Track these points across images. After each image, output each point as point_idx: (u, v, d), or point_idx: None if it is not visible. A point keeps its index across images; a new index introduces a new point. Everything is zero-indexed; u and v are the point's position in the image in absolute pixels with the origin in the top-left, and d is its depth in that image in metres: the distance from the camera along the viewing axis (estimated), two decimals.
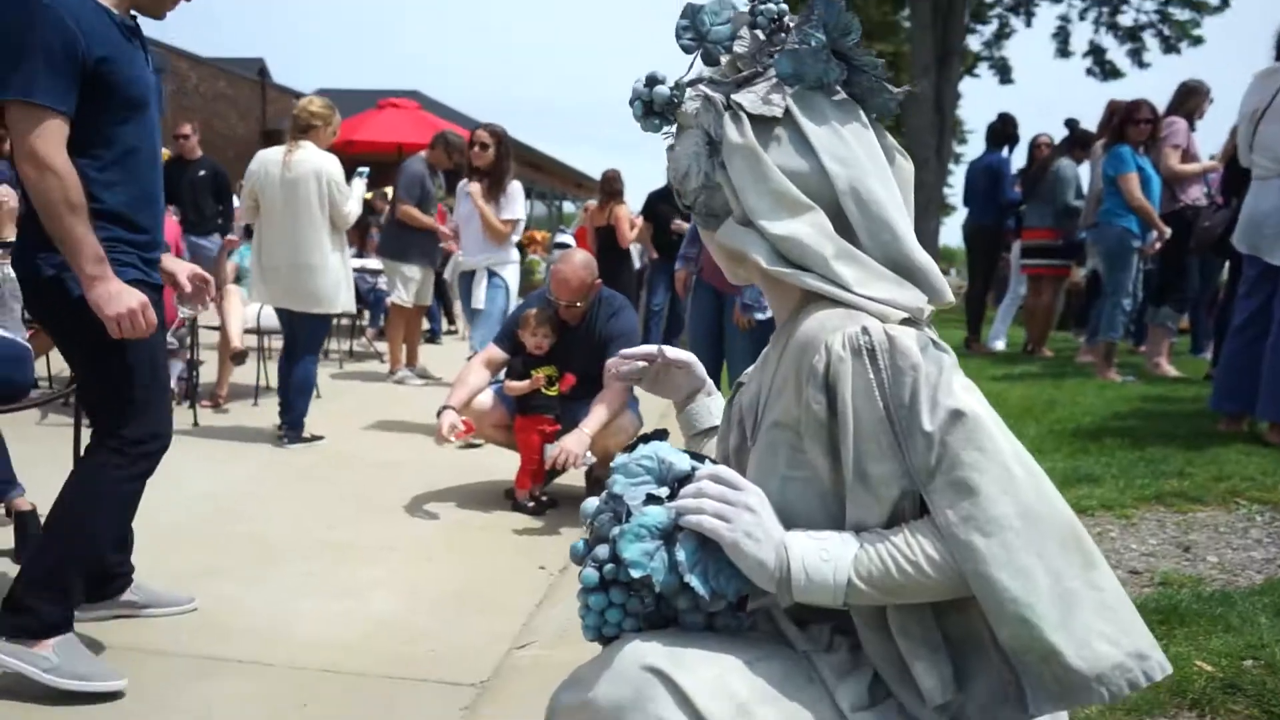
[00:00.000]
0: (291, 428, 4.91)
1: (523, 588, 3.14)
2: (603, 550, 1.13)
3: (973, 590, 1.05)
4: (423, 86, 30.96)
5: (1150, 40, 17.67)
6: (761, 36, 1.23)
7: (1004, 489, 1.04)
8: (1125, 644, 1.04)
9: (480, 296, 5.61)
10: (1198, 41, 17.20)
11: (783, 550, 1.11)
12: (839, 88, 1.23)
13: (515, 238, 5.82)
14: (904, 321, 1.14)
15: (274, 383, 6.52)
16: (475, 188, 5.69)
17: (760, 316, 3.99)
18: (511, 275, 5.74)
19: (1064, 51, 18.45)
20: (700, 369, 1.59)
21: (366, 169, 5.42)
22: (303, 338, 4.97)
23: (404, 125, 11.15)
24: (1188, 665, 2.01)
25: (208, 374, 6.09)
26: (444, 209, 5.84)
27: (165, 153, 6.82)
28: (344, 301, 5.00)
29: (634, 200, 8.82)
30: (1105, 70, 18.32)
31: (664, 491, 1.15)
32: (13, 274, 3.44)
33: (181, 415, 5.35)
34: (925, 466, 1.07)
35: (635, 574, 1.09)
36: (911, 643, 1.10)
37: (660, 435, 1.22)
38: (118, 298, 2.16)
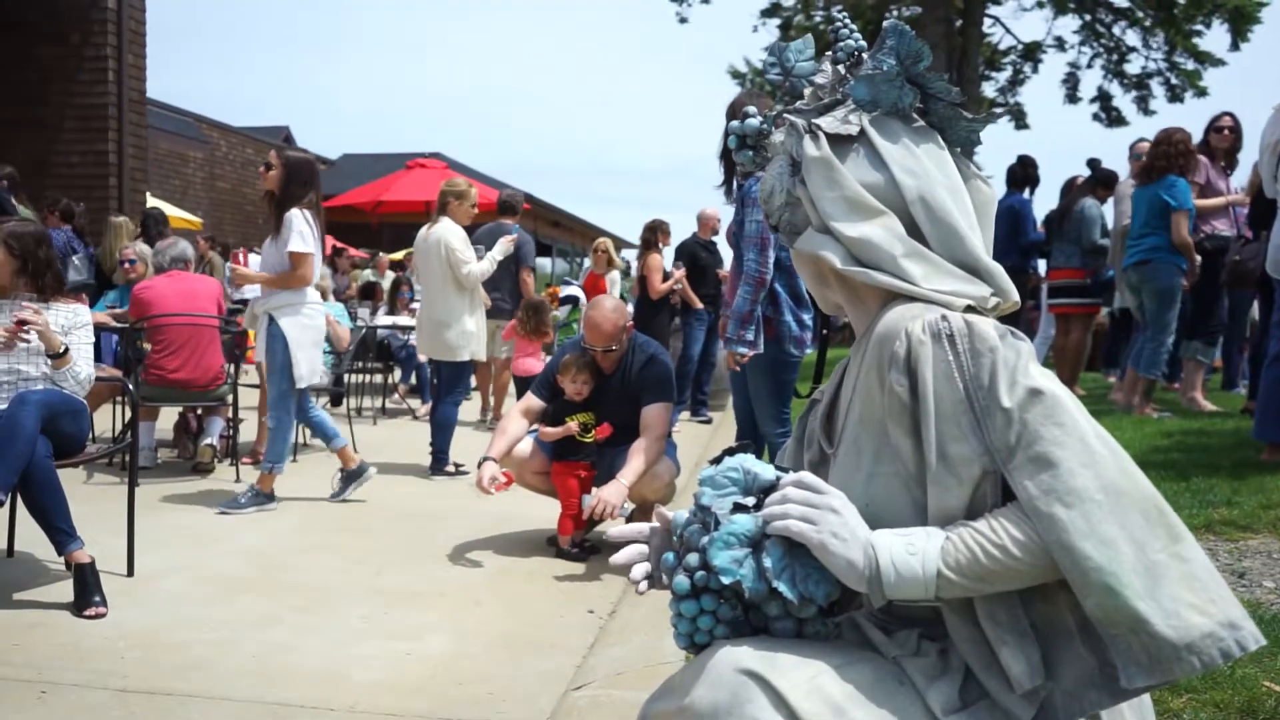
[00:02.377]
0: (435, 460, 5.67)
1: (573, 630, 3.15)
2: (693, 559, 1.17)
3: (1058, 563, 1.06)
4: (445, 149, 31.61)
5: (1157, 88, 17.83)
6: (841, 70, 1.32)
7: (1084, 463, 1.06)
8: (1215, 613, 1.04)
9: (260, 348, 4.76)
10: (1203, 93, 17.34)
11: (870, 549, 1.13)
12: (917, 116, 1.31)
13: (314, 276, 4.74)
14: (972, 310, 1.20)
15: (312, 440, 6.62)
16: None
17: (743, 350, 3.80)
18: (294, 323, 4.67)
19: (1073, 97, 18.65)
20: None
21: (515, 227, 6.21)
22: (443, 383, 5.79)
23: (432, 184, 11.35)
24: (1256, 686, 2.00)
25: (247, 431, 6.16)
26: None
27: None
28: (472, 351, 5.74)
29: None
30: (1111, 117, 18.49)
31: (750, 501, 1.19)
32: (88, 317, 3.55)
33: (224, 472, 5.43)
34: (1005, 444, 1.10)
35: (725, 580, 1.13)
36: (999, 629, 1.11)
37: (744, 449, 1.26)
38: None
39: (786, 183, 1.31)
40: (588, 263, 8.05)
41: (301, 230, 4.62)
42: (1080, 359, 7.87)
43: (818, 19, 17.30)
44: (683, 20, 17.37)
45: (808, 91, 1.34)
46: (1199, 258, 5.98)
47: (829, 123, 1.28)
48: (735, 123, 1.36)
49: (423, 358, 9.04)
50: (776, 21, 17.78)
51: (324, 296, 6.61)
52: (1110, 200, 7.36)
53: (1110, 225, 7.34)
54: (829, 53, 1.34)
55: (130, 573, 3.50)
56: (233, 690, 2.58)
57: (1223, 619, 1.04)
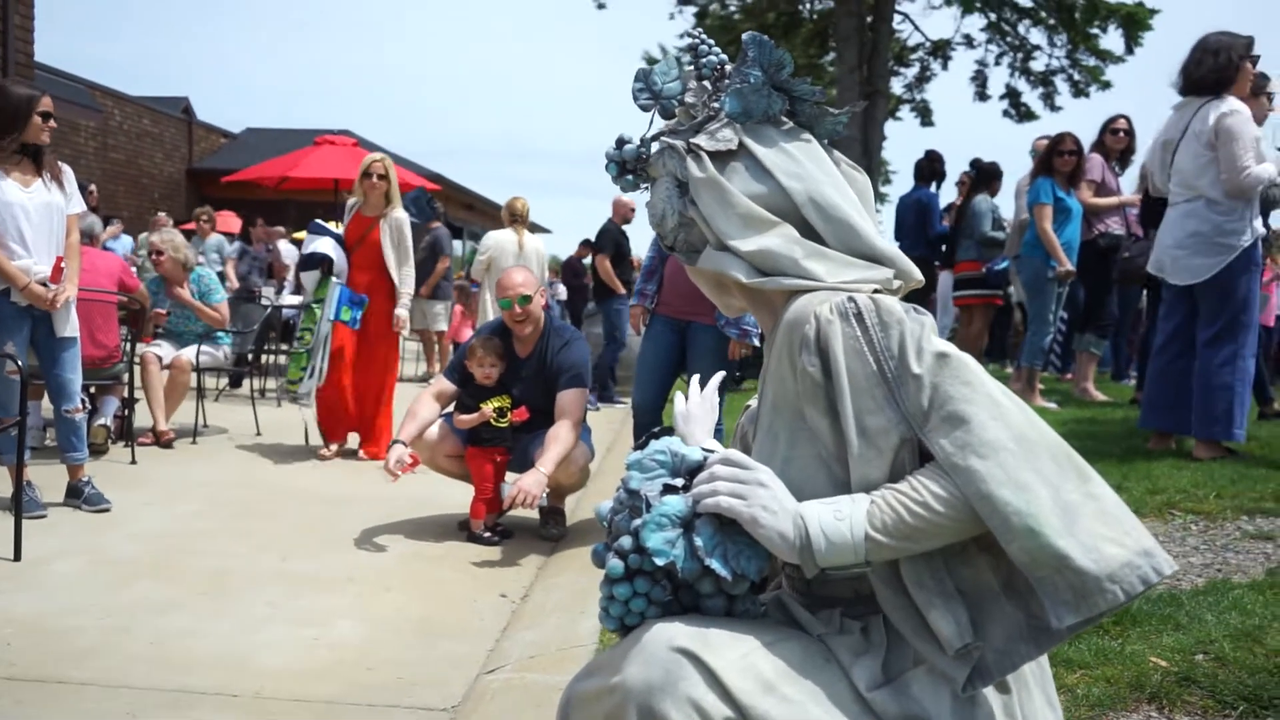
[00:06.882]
0: None
1: (486, 615, 3.13)
2: (626, 542, 1.17)
3: (979, 513, 1.10)
4: (354, 127, 30.72)
5: (1061, 84, 18.48)
6: (708, 85, 1.35)
7: (994, 416, 1.12)
8: (1130, 544, 1.09)
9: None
10: (1106, 86, 18.06)
11: (799, 519, 1.16)
12: (786, 119, 1.35)
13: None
14: (878, 293, 1.24)
15: (214, 421, 6.40)
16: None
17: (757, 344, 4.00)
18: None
19: (982, 95, 19.19)
20: None
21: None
22: None
23: (340, 161, 11.03)
24: (1143, 662, 2.11)
25: (143, 412, 5.92)
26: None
27: None
28: None
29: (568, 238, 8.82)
30: (1020, 113, 19.10)
31: (679, 482, 1.20)
32: None
33: (118, 453, 5.21)
34: (919, 409, 1.14)
35: (660, 562, 1.13)
36: (926, 593, 1.15)
37: (668, 432, 1.27)
38: None
39: (677, 204, 1.34)
40: (352, 200, 5.71)
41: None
42: (979, 349, 8.14)
43: (732, 7, 17.40)
44: (601, 5, 17.25)
45: (679, 111, 1.37)
46: (1068, 263, 6.16)
47: (707, 141, 1.31)
48: (613, 149, 1.38)
49: None
50: (693, 9, 17.81)
51: (187, 267, 6.10)
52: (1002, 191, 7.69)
53: (1006, 218, 7.67)
54: (690, 68, 1.37)
55: (17, 557, 3.34)
56: (129, 677, 2.49)
57: (1138, 548, 1.09)
